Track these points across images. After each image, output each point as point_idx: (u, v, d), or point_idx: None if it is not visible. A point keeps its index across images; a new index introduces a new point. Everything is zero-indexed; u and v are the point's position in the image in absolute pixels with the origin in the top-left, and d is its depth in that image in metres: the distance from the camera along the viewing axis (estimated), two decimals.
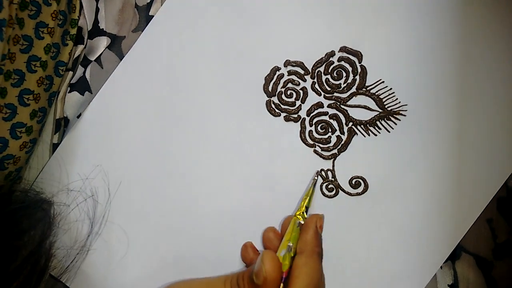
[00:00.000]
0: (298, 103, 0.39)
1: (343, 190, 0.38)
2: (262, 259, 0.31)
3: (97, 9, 0.40)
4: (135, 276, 0.38)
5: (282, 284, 0.31)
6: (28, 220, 0.32)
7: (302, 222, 0.35)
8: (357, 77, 0.38)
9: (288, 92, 0.39)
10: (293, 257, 0.33)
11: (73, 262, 0.37)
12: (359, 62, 0.38)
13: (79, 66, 0.40)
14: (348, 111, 0.38)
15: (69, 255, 0.37)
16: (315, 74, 0.38)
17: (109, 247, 0.38)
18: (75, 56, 0.39)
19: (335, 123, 0.38)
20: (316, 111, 0.38)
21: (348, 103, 0.38)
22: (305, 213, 0.36)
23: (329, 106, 0.38)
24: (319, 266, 0.33)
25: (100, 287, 0.38)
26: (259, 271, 0.30)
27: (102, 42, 0.40)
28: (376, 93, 0.38)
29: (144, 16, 0.40)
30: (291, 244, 0.33)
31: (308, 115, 0.39)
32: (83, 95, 0.40)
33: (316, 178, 0.38)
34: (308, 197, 0.37)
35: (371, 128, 0.38)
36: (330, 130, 0.38)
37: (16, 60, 0.33)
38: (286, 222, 0.37)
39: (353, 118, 0.38)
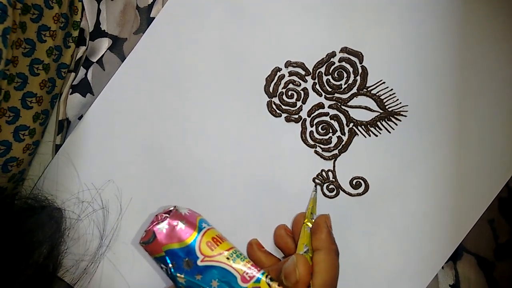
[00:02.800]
0: (299, 103, 0.39)
1: (343, 191, 0.38)
2: (297, 263, 0.31)
3: (99, 11, 0.40)
4: (140, 280, 0.39)
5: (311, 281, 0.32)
6: (36, 226, 0.32)
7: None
8: (358, 77, 0.38)
9: (289, 93, 0.39)
10: (311, 257, 0.34)
11: (86, 269, 0.37)
12: (360, 63, 0.38)
13: (81, 67, 0.40)
14: (349, 112, 0.38)
15: (79, 260, 0.37)
16: (316, 74, 0.38)
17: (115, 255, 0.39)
18: (77, 58, 0.39)
19: (336, 124, 0.38)
20: (317, 112, 0.38)
21: (349, 103, 0.38)
22: (312, 219, 0.36)
23: (330, 106, 0.38)
24: (337, 262, 0.34)
25: None
26: (291, 273, 0.31)
27: (104, 44, 0.40)
28: (377, 94, 0.38)
29: (146, 18, 0.40)
30: (307, 247, 0.34)
31: (309, 115, 0.39)
32: (84, 96, 0.40)
33: (315, 191, 0.38)
34: (312, 205, 0.37)
35: (372, 129, 0.38)
36: (331, 131, 0.38)
37: (18, 63, 0.33)
38: (296, 220, 0.37)
39: (354, 119, 0.38)
